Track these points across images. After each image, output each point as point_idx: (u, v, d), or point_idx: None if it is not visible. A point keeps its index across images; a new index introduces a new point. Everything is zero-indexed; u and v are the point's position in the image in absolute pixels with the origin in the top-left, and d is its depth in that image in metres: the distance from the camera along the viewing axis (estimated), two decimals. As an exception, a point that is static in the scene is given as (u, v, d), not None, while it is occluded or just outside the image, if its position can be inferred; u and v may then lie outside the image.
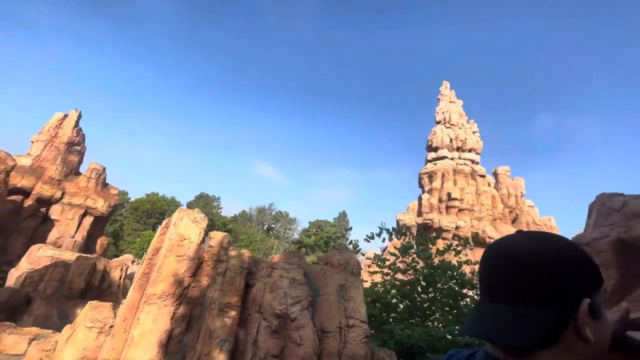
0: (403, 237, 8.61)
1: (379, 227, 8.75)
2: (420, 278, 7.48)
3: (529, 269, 0.59)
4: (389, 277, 8.01)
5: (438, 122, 35.69)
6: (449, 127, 34.86)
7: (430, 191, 32.13)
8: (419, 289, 7.43)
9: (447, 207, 30.02)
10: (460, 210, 29.51)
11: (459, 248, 8.57)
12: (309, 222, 60.80)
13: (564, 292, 0.57)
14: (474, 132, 34.71)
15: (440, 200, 31.00)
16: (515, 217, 29.60)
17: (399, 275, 8.27)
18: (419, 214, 31.93)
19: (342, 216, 66.84)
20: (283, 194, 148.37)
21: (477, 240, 29.81)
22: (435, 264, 7.59)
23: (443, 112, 35.61)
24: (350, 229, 65.81)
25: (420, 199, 32.61)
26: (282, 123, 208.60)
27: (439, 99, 37.05)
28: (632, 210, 6.26)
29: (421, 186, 34.46)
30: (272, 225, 69.79)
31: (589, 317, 0.57)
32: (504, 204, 29.97)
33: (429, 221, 29.69)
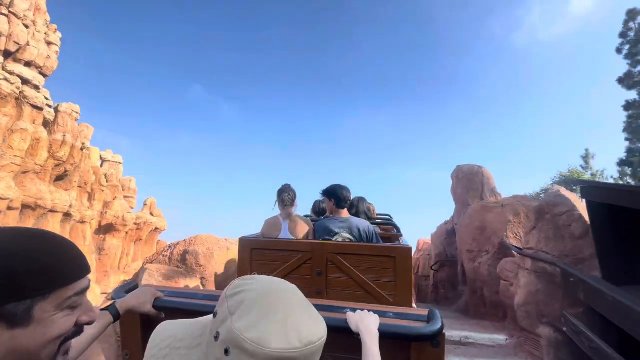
0: None
1: None
2: None
3: None
4: None
5: (-15, -4, 20.81)
6: (6, 15, 21.34)
7: None
8: None
9: None
10: (-47, 146, 17.55)
11: None
12: None
13: None
14: (50, 44, 23.75)
15: None
16: (64, 173, 22.60)
17: None
18: None
19: None
20: None
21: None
22: None
23: (2, -15, 21.30)
24: None
25: None
26: None
27: (4, -38, 22.02)
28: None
29: None
30: None
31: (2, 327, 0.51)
32: (51, 154, 21.85)
33: None
